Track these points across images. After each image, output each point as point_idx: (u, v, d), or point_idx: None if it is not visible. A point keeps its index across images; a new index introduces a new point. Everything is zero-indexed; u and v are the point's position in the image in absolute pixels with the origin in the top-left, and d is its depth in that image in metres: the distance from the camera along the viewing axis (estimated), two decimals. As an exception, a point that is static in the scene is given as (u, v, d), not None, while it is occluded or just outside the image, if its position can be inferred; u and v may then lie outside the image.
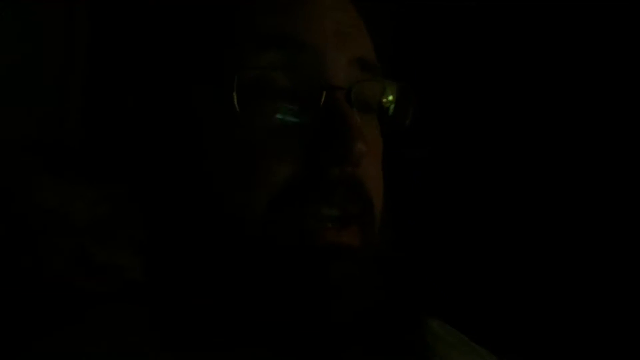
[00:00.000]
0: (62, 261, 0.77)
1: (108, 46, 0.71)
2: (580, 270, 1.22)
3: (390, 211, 0.64)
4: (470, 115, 1.26)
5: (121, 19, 0.70)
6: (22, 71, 0.83)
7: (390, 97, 0.62)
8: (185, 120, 0.61)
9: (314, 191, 0.56)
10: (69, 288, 0.74)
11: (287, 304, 0.56)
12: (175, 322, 0.59)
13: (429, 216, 1.12)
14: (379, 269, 0.59)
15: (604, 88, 1.22)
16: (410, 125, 0.62)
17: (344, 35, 0.59)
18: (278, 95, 0.57)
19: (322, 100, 0.56)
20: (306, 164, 0.56)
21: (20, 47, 0.83)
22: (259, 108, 0.57)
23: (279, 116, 0.57)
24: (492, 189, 1.24)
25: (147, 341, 0.59)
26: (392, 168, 0.66)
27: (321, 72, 0.58)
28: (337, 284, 0.56)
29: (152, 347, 0.59)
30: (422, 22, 1.24)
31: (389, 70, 0.64)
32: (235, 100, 0.56)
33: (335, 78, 0.58)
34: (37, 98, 0.84)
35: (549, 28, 1.25)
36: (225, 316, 0.58)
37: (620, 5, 1.20)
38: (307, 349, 0.56)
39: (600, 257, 1.22)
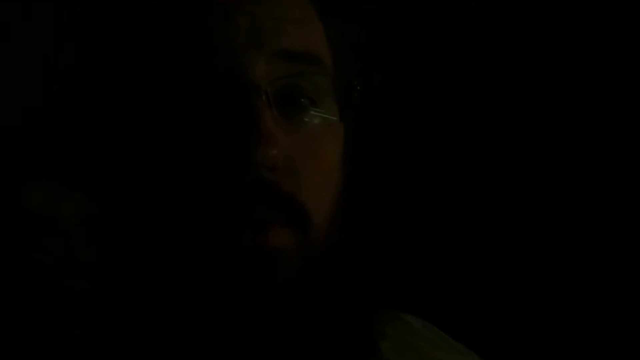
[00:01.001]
0: (51, 262, 0.79)
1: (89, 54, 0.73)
2: (551, 267, 1.21)
3: (353, 212, 0.63)
4: (452, 119, 1.26)
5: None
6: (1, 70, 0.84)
7: (326, 91, 0.59)
8: (126, 127, 0.60)
9: (229, 198, 0.55)
10: (58, 288, 0.75)
11: (210, 308, 0.55)
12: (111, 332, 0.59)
13: (403, 215, 1.12)
14: (317, 270, 0.57)
15: (597, 90, 1.21)
16: (362, 120, 0.61)
17: (260, 30, 0.56)
18: (190, 101, 0.56)
19: (233, 103, 0.55)
20: (219, 171, 0.55)
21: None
22: (172, 115, 0.56)
23: (194, 123, 0.55)
24: (464, 188, 1.23)
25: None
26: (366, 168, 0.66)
27: (234, 73, 0.55)
28: (260, 285, 0.55)
29: None
30: (412, 22, 1.23)
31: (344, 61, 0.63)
32: (144, 109, 0.56)
33: (248, 78, 0.55)
34: (19, 98, 0.85)
35: (537, 30, 1.24)
36: (158, 323, 0.57)
37: (619, 5, 1.18)
38: (233, 350, 0.55)
39: (573, 257, 1.21)
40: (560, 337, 1.16)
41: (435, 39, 1.23)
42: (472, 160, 1.21)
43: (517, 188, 1.21)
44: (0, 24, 0.84)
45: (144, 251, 0.57)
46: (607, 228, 1.19)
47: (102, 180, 0.61)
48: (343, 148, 0.62)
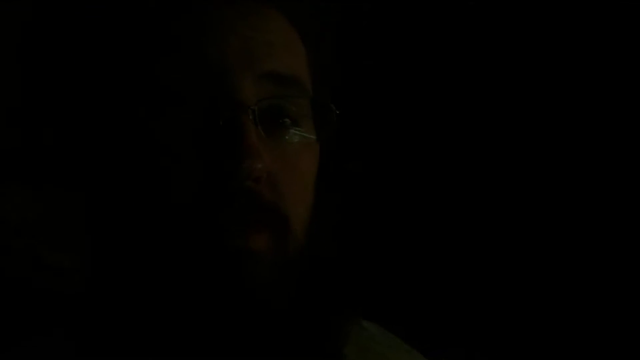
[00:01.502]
0: (17, 264, 0.80)
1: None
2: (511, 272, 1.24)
3: (325, 219, 0.67)
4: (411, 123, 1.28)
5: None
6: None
7: (306, 113, 0.65)
8: (119, 128, 0.64)
9: (215, 204, 0.60)
10: (26, 289, 0.76)
11: (193, 305, 0.60)
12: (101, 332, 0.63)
13: (367, 222, 1.15)
14: (293, 273, 0.63)
15: (584, 90, 1.23)
16: (337, 138, 0.66)
17: (250, 52, 0.62)
18: (183, 112, 0.61)
19: (223, 118, 0.60)
20: (208, 176, 0.60)
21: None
22: (165, 125, 0.61)
23: (185, 134, 0.61)
24: (431, 195, 1.26)
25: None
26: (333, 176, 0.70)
27: (224, 91, 0.61)
28: (242, 286, 0.60)
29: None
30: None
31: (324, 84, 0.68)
32: (140, 115, 0.61)
33: (237, 95, 0.61)
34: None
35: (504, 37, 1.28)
36: (149, 323, 0.61)
37: (614, 5, 1.19)
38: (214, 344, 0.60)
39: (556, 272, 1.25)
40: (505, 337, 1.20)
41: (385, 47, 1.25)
42: (432, 171, 1.25)
43: (491, 195, 1.24)
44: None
45: (132, 250, 0.62)
46: (597, 232, 1.23)
47: (93, 178, 0.65)
48: (318, 163, 0.68)
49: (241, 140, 0.59)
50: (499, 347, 1.19)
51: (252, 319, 0.60)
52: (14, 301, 0.75)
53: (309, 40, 0.68)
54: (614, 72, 1.23)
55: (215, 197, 0.60)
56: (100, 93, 0.65)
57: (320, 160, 0.68)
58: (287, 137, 0.64)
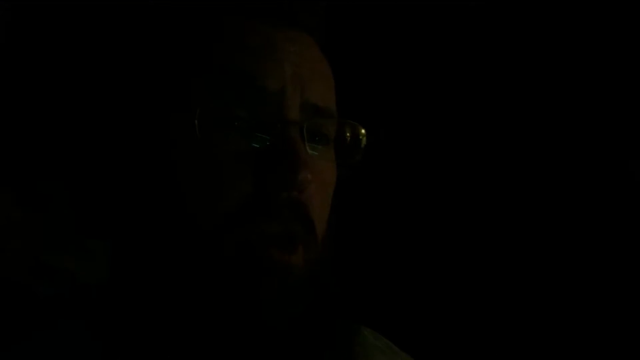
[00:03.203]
0: (17, 266, 0.80)
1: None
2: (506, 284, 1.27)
3: (333, 233, 0.71)
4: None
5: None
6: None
7: (345, 134, 0.70)
8: (157, 138, 0.67)
9: (263, 211, 0.64)
10: (23, 291, 0.76)
11: (230, 315, 0.63)
12: (123, 333, 0.66)
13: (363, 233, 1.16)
14: (315, 284, 0.67)
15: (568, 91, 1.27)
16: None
17: (300, 79, 0.67)
18: (237, 126, 0.65)
19: (276, 132, 0.65)
20: (257, 187, 0.64)
21: None
22: (219, 136, 0.65)
23: (237, 144, 0.65)
24: (429, 207, 1.27)
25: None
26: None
27: (278, 108, 0.65)
28: (277, 297, 0.63)
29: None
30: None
31: (347, 110, 0.72)
32: (197, 128, 0.64)
33: (289, 115, 0.66)
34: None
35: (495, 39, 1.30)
36: (173, 326, 0.65)
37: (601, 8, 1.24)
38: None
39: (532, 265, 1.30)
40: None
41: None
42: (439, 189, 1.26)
43: (491, 206, 1.27)
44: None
45: (164, 257, 0.65)
46: (596, 232, 1.27)
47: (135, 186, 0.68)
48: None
49: (295, 152, 0.64)
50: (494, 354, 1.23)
51: (268, 330, 0.64)
52: (14, 302, 0.76)
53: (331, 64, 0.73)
54: (614, 72, 1.27)
55: (263, 207, 0.64)
56: (161, 109, 0.68)
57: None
58: (324, 154, 0.69)
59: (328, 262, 0.69)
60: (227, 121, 0.65)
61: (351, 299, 0.75)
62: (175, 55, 0.69)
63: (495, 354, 1.23)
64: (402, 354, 0.83)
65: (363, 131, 0.70)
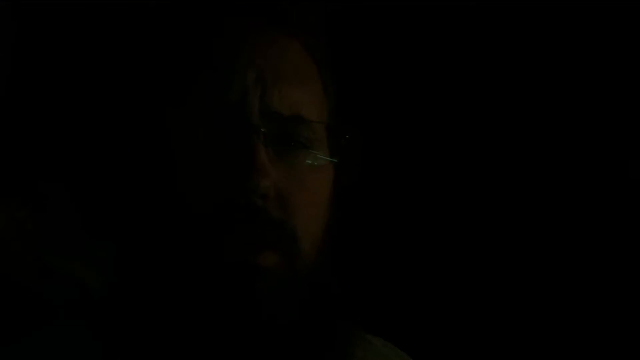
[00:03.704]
0: (17, 266, 0.81)
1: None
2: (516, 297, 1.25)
3: (331, 236, 0.70)
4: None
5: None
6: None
7: (318, 137, 0.69)
8: (151, 140, 0.68)
9: (224, 219, 0.63)
10: (31, 296, 0.78)
11: (201, 316, 0.63)
12: (122, 335, 0.66)
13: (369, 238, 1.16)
14: (301, 289, 0.66)
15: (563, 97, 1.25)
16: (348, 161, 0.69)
17: (264, 83, 0.66)
18: (203, 132, 0.65)
19: (237, 138, 0.64)
20: (218, 194, 0.64)
21: None
22: (189, 143, 0.66)
23: (202, 151, 0.65)
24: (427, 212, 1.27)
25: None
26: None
27: (240, 114, 0.65)
28: (248, 300, 0.63)
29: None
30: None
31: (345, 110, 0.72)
32: (168, 136, 0.66)
33: (251, 119, 0.65)
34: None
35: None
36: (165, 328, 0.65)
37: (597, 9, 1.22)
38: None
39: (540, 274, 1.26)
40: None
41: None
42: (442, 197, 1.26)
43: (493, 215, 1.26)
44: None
45: (147, 260, 0.66)
46: (595, 233, 1.25)
47: (117, 196, 0.69)
48: (332, 185, 0.71)
49: (251, 158, 0.63)
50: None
51: (257, 332, 0.63)
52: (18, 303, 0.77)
53: (324, 66, 0.72)
54: (614, 73, 1.25)
55: (225, 213, 0.63)
56: (126, 112, 0.70)
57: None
58: (298, 159, 0.67)
59: (322, 268, 0.68)
60: (193, 129, 0.65)
61: (352, 301, 0.73)
62: (160, 60, 0.70)
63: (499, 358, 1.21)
64: (410, 360, 0.81)
65: (344, 133, 0.70)
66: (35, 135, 0.77)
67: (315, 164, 0.68)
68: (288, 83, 0.68)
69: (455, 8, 1.25)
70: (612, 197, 1.26)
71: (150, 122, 0.68)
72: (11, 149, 0.79)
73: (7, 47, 0.77)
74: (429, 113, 1.28)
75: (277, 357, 0.64)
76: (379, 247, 1.19)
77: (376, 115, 1.22)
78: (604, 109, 1.26)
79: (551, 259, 1.26)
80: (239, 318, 0.63)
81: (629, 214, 1.25)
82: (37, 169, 0.77)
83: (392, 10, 1.27)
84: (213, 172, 0.64)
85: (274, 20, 0.70)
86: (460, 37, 1.27)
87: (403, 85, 1.28)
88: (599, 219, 1.26)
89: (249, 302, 0.63)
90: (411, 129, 1.28)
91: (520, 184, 1.28)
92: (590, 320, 1.23)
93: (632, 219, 1.24)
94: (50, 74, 0.78)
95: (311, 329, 0.67)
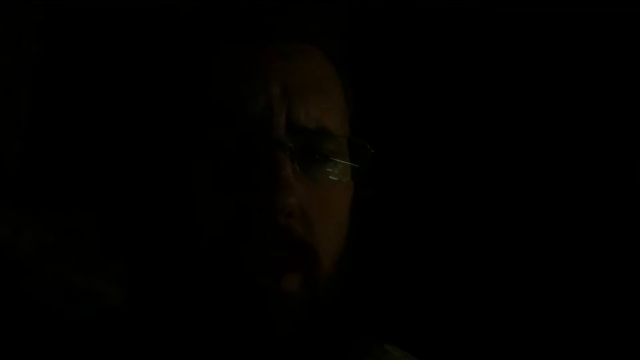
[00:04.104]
0: (43, 287, 0.82)
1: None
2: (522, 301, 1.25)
3: (350, 252, 0.69)
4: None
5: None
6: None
7: (342, 150, 0.67)
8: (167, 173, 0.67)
9: (248, 237, 0.62)
10: (52, 312, 0.79)
11: (219, 338, 0.63)
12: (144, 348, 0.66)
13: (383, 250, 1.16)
14: (321, 309, 0.65)
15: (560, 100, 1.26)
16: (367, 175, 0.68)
17: (288, 97, 0.65)
18: (226, 151, 0.64)
19: (262, 154, 0.63)
20: (241, 212, 0.62)
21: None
22: (209, 163, 0.64)
23: (224, 170, 0.63)
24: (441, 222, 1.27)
25: None
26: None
27: (264, 129, 0.63)
28: (268, 324, 0.62)
29: None
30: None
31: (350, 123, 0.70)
32: (187, 158, 0.64)
33: (275, 135, 0.63)
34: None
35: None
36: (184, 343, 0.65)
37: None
38: None
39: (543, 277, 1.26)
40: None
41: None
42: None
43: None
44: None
45: (166, 279, 0.65)
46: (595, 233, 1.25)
47: (132, 213, 0.69)
48: (351, 202, 0.70)
49: (277, 174, 0.62)
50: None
51: (274, 352, 0.63)
52: (44, 325, 0.78)
53: (344, 73, 0.71)
54: (613, 73, 1.25)
55: (247, 231, 0.62)
56: (144, 130, 0.69)
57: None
58: (322, 174, 0.66)
59: (338, 284, 0.67)
60: (216, 148, 0.64)
61: (372, 315, 0.74)
62: (173, 89, 0.68)
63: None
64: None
65: (367, 147, 0.68)
66: (60, 156, 0.78)
67: (339, 178, 0.67)
68: (313, 95, 0.66)
69: (464, 12, 1.26)
70: (614, 197, 1.26)
71: (171, 138, 0.66)
72: (37, 170, 0.80)
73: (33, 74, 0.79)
74: (434, 114, 1.29)
75: None
76: (396, 257, 1.19)
77: (391, 124, 1.22)
78: (608, 109, 1.26)
79: (567, 263, 1.26)
80: (256, 339, 0.62)
81: (632, 214, 1.25)
82: (60, 190, 0.78)
83: (403, 16, 1.27)
84: (236, 189, 0.63)
85: (294, 29, 0.69)
86: (472, 43, 1.28)
87: (415, 91, 1.28)
88: (602, 220, 1.26)
89: (267, 325, 0.62)
90: (422, 138, 1.28)
91: (528, 186, 1.28)
92: (593, 320, 1.24)
93: (635, 219, 1.24)
94: (72, 95, 0.79)
95: (328, 346, 0.67)
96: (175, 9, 0.71)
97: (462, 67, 1.30)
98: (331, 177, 0.66)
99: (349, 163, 0.68)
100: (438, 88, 1.30)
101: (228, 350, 0.63)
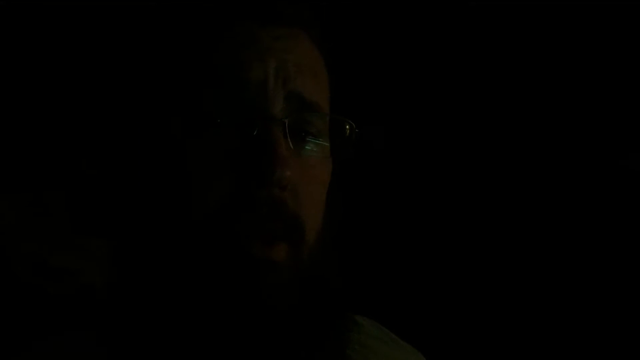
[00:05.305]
0: (19, 265, 0.82)
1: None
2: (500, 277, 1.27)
3: (333, 228, 0.72)
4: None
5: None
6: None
7: (337, 130, 0.70)
8: (154, 141, 0.68)
9: (243, 209, 0.64)
10: (30, 291, 0.79)
11: (213, 306, 0.65)
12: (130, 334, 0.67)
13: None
14: (303, 281, 0.67)
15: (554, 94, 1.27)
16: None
17: (284, 73, 0.67)
18: (220, 123, 0.65)
19: (257, 128, 0.65)
20: (237, 186, 0.64)
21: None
22: (204, 135, 0.65)
23: (220, 142, 0.65)
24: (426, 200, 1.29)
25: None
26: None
27: (260, 104, 0.65)
28: (260, 292, 0.64)
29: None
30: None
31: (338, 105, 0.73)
32: (182, 129, 0.65)
33: (271, 110, 0.66)
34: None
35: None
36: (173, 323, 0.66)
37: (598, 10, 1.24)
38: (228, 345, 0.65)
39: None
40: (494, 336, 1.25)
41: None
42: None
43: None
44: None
45: (159, 252, 0.66)
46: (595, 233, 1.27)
47: (128, 189, 0.69)
48: (330, 177, 0.73)
49: (273, 150, 0.64)
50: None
51: (260, 322, 0.65)
52: (21, 304, 0.78)
53: (328, 60, 0.74)
54: (613, 73, 1.28)
55: (243, 204, 0.64)
56: (142, 109, 0.70)
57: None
58: (309, 151, 0.69)
59: (322, 258, 0.69)
60: (211, 120, 0.65)
61: (352, 292, 0.76)
62: (167, 60, 0.69)
63: (494, 345, 1.24)
64: (402, 343, 0.84)
65: (352, 127, 0.71)
66: (37, 136, 0.77)
67: (323, 155, 0.70)
68: (307, 74, 0.69)
69: (454, 8, 1.27)
70: (614, 197, 1.28)
71: (163, 113, 0.68)
72: (14, 150, 0.79)
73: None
74: (431, 107, 1.30)
75: (280, 345, 0.66)
76: (379, 236, 1.22)
77: (373, 110, 1.23)
78: (607, 108, 1.28)
79: (552, 250, 1.29)
80: (248, 310, 0.64)
81: (630, 211, 1.27)
82: (38, 169, 0.77)
83: (389, 7, 1.28)
84: (232, 163, 0.64)
85: (284, 14, 0.70)
86: (458, 37, 1.30)
87: (399, 81, 1.30)
88: (602, 218, 1.29)
89: (256, 295, 0.64)
90: (405, 124, 1.30)
91: (522, 180, 1.31)
92: (592, 319, 1.26)
93: (632, 214, 1.27)
94: (54, 75, 0.78)
95: (312, 318, 0.69)
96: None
97: (445, 56, 1.31)
98: (317, 154, 0.69)
99: (332, 142, 0.70)
100: (418, 76, 1.31)
101: (220, 323, 0.65)
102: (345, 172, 0.75)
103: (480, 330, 1.24)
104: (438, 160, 1.29)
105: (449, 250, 1.27)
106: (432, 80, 1.31)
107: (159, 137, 0.67)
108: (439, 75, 1.30)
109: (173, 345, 0.66)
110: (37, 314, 0.73)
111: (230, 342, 0.66)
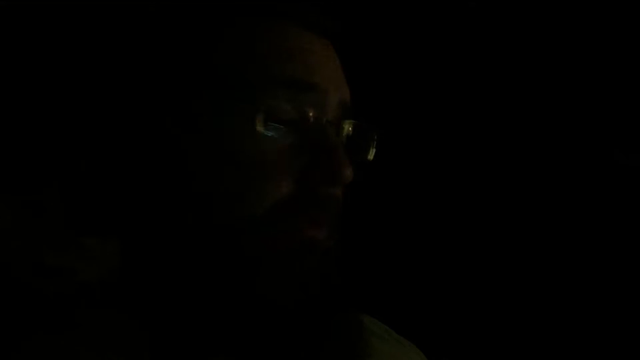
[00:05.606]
0: (17, 265, 0.81)
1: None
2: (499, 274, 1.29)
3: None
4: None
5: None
6: None
7: (359, 134, 0.74)
8: (184, 139, 0.69)
9: (302, 206, 0.66)
10: (27, 291, 0.78)
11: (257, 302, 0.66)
12: (160, 328, 0.68)
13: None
14: (327, 272, 0.69)
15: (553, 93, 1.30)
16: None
17: (337, 81, 0.71)
18: (284, 124, 0.67)
19: (321, 130, 0.68)
20: (298, 183, 0.66)
21: None
22: (265, 133, 0.66)
23: (281, 141, 0.67)
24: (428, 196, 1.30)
25: (136, 346, 0.66)
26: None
27: (322, 108, 0.69)
28: (306, 276, 0.67)
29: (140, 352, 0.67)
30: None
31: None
32: (257, 124, 0.66)
33: (330, 114, 0.69)
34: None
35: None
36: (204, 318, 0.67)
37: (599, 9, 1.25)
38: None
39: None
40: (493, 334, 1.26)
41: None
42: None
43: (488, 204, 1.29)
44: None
45: (197, 250, 0.67)
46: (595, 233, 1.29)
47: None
48: None
49: (341, 152, 0.67)
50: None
51: (310, 307, 0.68)
52: (17, 303, 0.77)
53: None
54: (613, 73, 1.29)
55: (308, 200, 0.66)
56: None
57: None
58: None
59: (336, 253, 0.72)
60: (274, 120, 0.66)
61: (353, 290, 0.76)
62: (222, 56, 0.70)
63: (494, 343, 1.24)
64: (401, 339, 0.84)
65: (375, 134, 0.74)
66: (34, 135, 0.76)
67: (357, 160, 0.73)
68: (345, 80, 0.73)
69: (454, 8, 1.28)
70: (612, 194, 1.29)
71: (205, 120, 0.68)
72: (9, 149, 0.78)
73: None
74: (432, 107, 1.31)
75: (286, 342, 0.67)
76: (379, 234, 1.22)
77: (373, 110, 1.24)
78: (607, 108, 1.30)
79: (550, 249, 1.30)
80: (262, 314, 0.66)
81: (630, 211, 1.29)
82: (33, 169, 0.76)
83: (389, 7, 1.29)
84: (295, 162, 0.67)
85: (313, 27, 0.72)
86: (458, 37, 1.31)
87: (399, 81, 1.30)
88: (602, 219, 1.30)
89: (282, 300, 0.66)
90: (405, 124, 1.30)
91: (522, 180, 1.33)
92: (592, 318, 1.27)
93: (632, 214, 1.28)
94: (54, 75, 0.77)
95: (317, 314, 0.70)
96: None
97: (445, 57, 1.32)
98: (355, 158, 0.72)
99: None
100: (420, 77, 1.32)
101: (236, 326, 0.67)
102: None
103: (480, 329, 1.25)
104: (437, 159, 1.30)
105: (449, 249, 1.27)
106: (432, 81, 1.32)
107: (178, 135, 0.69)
108: (438, 76, 1.31)
109: (192, 337, 0.67)
110: (34, 312, 0.72)
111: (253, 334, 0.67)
